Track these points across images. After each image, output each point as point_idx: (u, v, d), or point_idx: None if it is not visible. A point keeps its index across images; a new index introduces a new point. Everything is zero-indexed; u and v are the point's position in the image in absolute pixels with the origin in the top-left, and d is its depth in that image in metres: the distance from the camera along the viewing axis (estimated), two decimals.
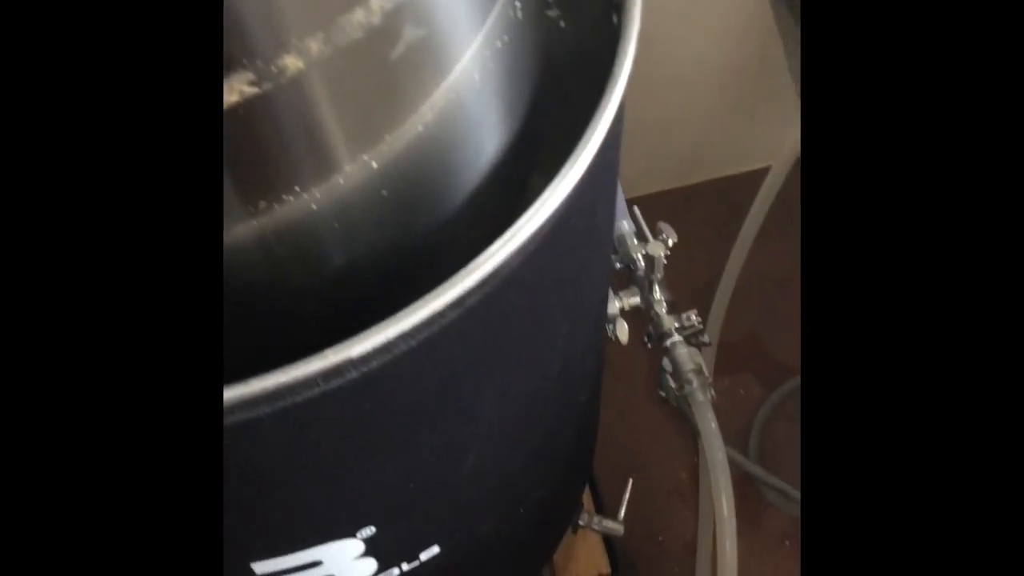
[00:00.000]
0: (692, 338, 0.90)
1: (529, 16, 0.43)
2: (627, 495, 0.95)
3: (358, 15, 0.32)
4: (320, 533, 0.49)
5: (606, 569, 1.06)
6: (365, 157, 0.36)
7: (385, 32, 0.33)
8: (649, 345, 0.90)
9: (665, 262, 0.88)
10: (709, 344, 0.90)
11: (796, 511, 1.17)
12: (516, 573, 0.78)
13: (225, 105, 0.31)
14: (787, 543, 1.16)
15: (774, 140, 1.06)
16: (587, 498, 1.07)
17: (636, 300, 0.88)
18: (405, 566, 0.57)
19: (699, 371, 0.86)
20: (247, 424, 0.36)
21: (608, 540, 1.08)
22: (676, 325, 0.88)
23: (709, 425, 0.86)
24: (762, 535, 1.17)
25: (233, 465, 0.38)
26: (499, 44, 0.40)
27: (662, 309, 0.89)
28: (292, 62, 0.31)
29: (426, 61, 0.36)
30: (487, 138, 0.41)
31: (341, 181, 0.36)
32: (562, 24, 0.51)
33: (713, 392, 0.87)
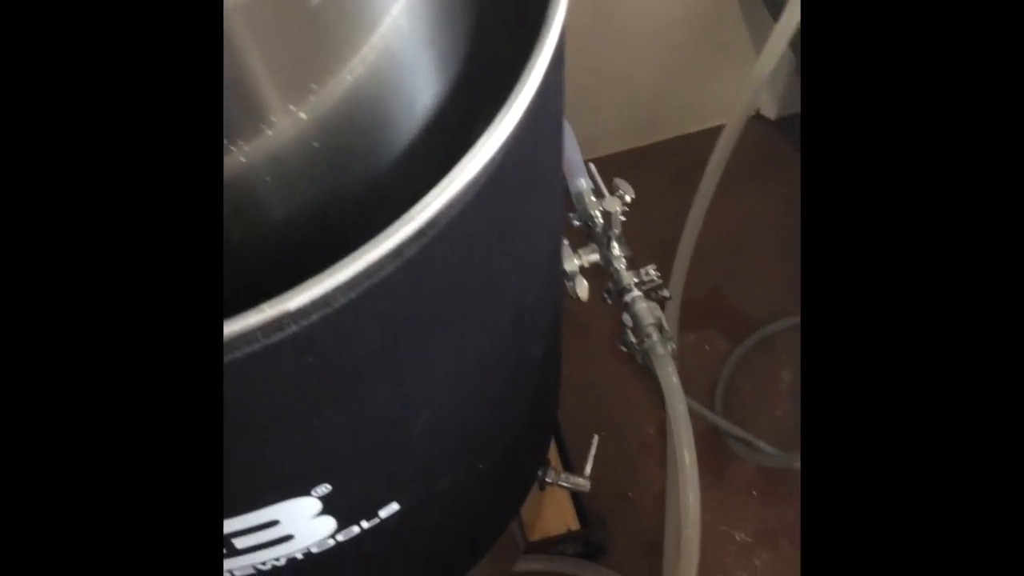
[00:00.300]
0: (652, 293, 0.90)
1: None
2: (593, 451, 0.96)
3: None
4: (275, 492, 0.49)
5: (575, 525, 1.07)
6: (293, 108, 0.35)
7: None
8: (609, 301, 0.90)
9: (623, 218, 0.88)
10: (669, 298, 0.91)
11: (762, 461, 1.19)
12: (481, 530, 0.78)
13: None
14: (754, 493, 1.18)
15: (731, 97, 1.06)
16: (555, 456, 1.08)
17: (595, 257, 0.88)
18: (365, 524, 0.57)
19: (659, 325, 0.87)
20: None
21: (576, 496, 1.09)
22: (635, 280, 0.89)
23: (670, 379, 0.86)
24: (729, 486, 1.19)
25: None
26: None
27: (621, 265, 0.89)
28: None
29: (352, 10, 0.36)
30: (421, 89, 0.41)
31: (270, 133, 0.35)
32: None
33: (674, 346, 0.88)
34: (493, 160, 0.41)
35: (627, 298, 0.88)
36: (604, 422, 1.23)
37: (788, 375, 1.27)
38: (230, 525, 0.49)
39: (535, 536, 1.04)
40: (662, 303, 0.91)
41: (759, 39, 1.30)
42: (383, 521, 0.58)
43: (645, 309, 0.87)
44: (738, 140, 1.04)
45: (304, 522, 0.53)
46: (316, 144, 0.37)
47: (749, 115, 1.07)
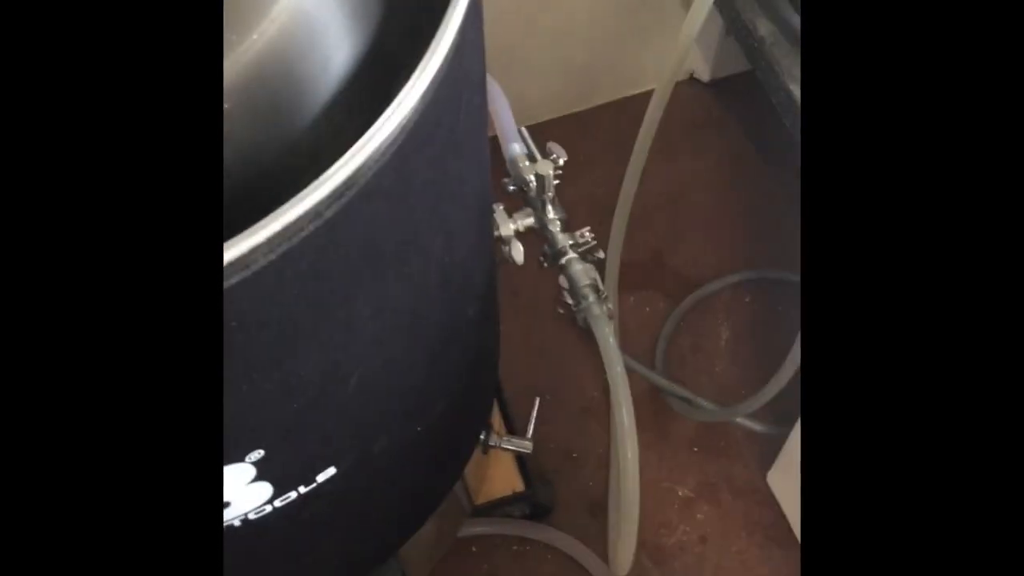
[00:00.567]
0: (587, 255, 0.91)
1: None
2: (535, 413, 0.97)
3: None
4: None
5: (520, 486, 1.09)
6: None
7: None
8: (546, 264, 0.91)
9: (556, 181, 0.89)
10: (604, 259, 0.92)
11: (702, 417, 1.21)
12: (423, 493, 0.79)
13: None
14: (695, 449, 1.21)
15: (664, 61, 1.07)
16: (498, 419, 1.10)
17: (531, 221, 0.89)
18: (302, 489, 0.58)
19: (595, 286, 0.88)
20: None
21: (521, 459, 1.10)
22: (570, 243, 0.89)
23: (607, 339, 0.87)
24: (671, 444, 1.21)
25: None
26: None
27: (556, 228, 0.90)
28: None
29: None
30: (334, 49, 0.41)
31: None
32: None
33: (611, 306, 0.89)
34: (410, 120, 0.41)
35: (563, 260, 0.89)
36: (549, 385, 1.24)
37: (727, 333, 1.29)
38: None
39: (481, 499, 1.06)
40: (598, 264, 0.92)
41: (689, 2, 1.31)
42: (320, 486, 0.59)
43: (580, 271, 0.88)
44: (669, 103, 1.05)
45: (239, 489, 0.53)
46: (228, 106, 0.37)
47: (679, 78, 1.08)
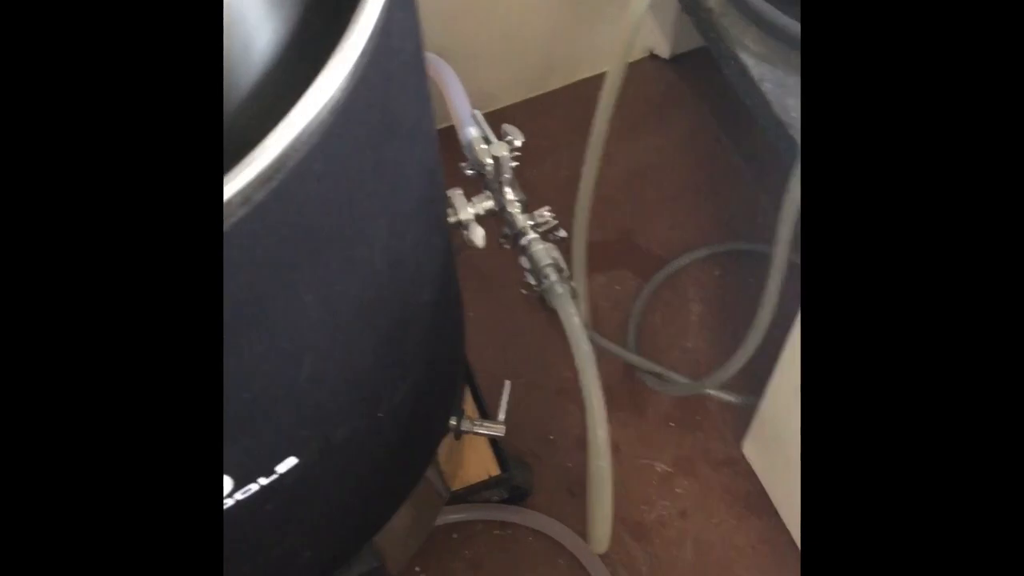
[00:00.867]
0: (548, 234, 0.91)
1: None
2: (506, 396, 0.97)
3: None
4: None
5: (496, 471, 1.09)
6: None
7: None
8: (507, 246, 0.91)
9: (514, 163, 0.89)
10: (565, 238, 0.92)
11: (676, 391, 1.22)
12: (392, 481, 0.79)
13: None
14: (671, 424, 1.21)
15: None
16: (471, 406, 1.09)
17: (490, 204, 0.89)
18: (263, 481, 0.57)
19: (556, 265, 0.88)
20: None
21: (496, 443, 1.10)
22: (530, 223, 0.89)
23: (571, 318, 0.87)
24: (648, 420, 1.22)
25: None
26: None
27: (515, 209, 0.90)
28: None
29: None
30: (254, 31, 0.41)
31: None
32: None
33: (574, 285, 0.89)
34: (336, 100, 0.41)
35: (523, 241, 0.89)
36: (522, 368, 1.24)
37: (697, 307, 1.30)
38: None
39: (456, 485, 1.06)
40: (561, 244, 0.92)
41: None
42: (282, 476, 0.58)
43: (541, 251, 0.88)
44: (630, 81, 1.05)
45: None
46: None
47: (635, 56, 1.08)
